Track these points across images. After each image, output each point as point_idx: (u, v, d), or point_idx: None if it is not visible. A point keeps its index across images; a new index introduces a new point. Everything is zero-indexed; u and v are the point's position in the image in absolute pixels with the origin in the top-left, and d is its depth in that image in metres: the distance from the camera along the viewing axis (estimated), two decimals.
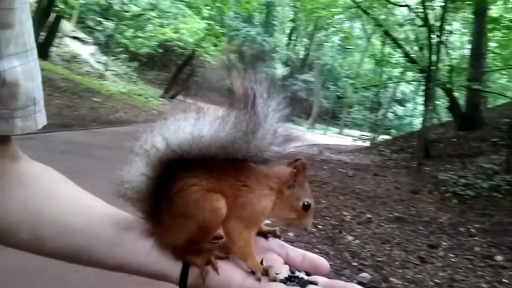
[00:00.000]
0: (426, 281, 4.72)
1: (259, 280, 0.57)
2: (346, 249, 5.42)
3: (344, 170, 13.29)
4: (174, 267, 0.61)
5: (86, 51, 26.30)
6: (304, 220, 0.67)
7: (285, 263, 0.66)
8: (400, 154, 16.63)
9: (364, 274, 4.47)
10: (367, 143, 26.92)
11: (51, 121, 10.35)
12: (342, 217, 7.12)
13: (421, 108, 16.98)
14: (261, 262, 0.63)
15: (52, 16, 18.06)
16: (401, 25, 18.26)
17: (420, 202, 9.44)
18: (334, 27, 24.70)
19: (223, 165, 0.62)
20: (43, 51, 18.64)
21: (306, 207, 0.67)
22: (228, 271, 0.60)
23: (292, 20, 44.36)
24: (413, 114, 25.29)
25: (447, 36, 17.04)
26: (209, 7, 22.21)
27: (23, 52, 0.55)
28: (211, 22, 22.76)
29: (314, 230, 6.02)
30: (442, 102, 24.71)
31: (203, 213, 0.60)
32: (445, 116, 26.26)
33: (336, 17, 22.49)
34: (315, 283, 0.61)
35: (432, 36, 12.97)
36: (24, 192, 0.61)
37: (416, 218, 7.77)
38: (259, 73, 0.61)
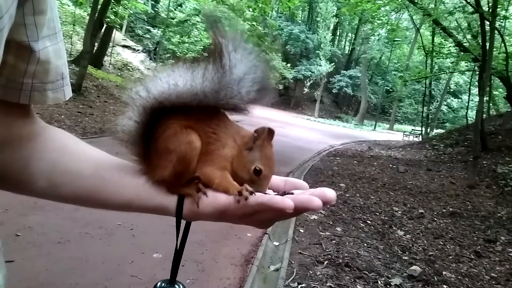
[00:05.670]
0: (482, 275, 4.55)
1: (237, 201, 0.65)
2: (396, 244, 5.32)
3: (395, 166, 12.95)
4: (170, 200, 0.71)
5: (137, 59, 27.48)
6: (256, 186, 0.69)
7: (269, 189, 0.74)
8: (455, 148, 15.92)
9: (414, 267, 4.38)
10: (419, 138, 25.97)
11: (107, 126, 10.96)
12: (393, 213, 6.98)
13: (477, 99, 16.13)
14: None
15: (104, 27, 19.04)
16: (451, 13, 17.42)
17: (477, 196, 9.02)
18: (380, 19, 23.98)
19: (199, 112, 0.71)
20: (98, 61, 19.70)
21: (257, 172, 0.70)
22: (215, 193, 0.69)
23: (336, 16, 43.53)
24: (469, 106, 23.87)
25: (501, 22, 16.06)
26: (252, 8, 22.38)
27: (53, 34, 0.66)
28: (254, 23, 22.94)
29: (362, 225, 5.97)
30: (499, 92, 23.32)
31: (180, 146, 0.68)
32: (503, 107, 24.78)
33: (382, 9, 21.87)
34: (291, 193, 0.68)
35: (485, 22, 12.27)
36: (41, 148, 0.73)
37: (472, 213, 7.44)
38: (229, 31, 0.70)
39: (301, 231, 5.34)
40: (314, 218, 5.92)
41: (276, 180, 0.76)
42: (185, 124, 0.70)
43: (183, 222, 0.72)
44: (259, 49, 0.73)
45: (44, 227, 4.19)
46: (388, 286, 4.01)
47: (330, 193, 0.63)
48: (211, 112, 0.73)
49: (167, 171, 0.70)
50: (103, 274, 3.50)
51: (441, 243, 5.61)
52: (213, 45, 0.70)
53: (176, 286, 0.76)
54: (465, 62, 20.07)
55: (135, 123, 0.73)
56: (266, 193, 0.70)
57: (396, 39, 34.55)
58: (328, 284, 3.87)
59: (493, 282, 4.46)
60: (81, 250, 3.88)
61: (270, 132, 0.71)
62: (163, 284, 0.75)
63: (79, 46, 18.02)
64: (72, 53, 18.36)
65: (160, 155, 0.71)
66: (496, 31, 10.86)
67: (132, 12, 26.02)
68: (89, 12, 16.25)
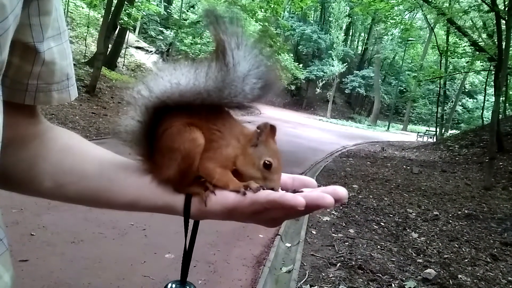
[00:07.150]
0: (498, 279, 4.46)
1: (243, 193, 0.65)
2: (410, 246, 5.25)
3: (409, 167, 12.80)
4: (177, 199, 0.70)
5: (150, 60, 27.70)
6: (268, 181, 0.68)
7: None
8: (470, 149, 15.67)
9: (429, 270, 4.31)
10: (434, 139, 25.64)
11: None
12: (407, 214, 6.89)
13: (493, 99, 15.83)
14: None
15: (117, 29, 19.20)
16: (466, 12, 17.16)
17: (493, 198, 8.86)
18: (394, 19, 23.74)
19: (202, 110, 0.70)
20: (111, 62, 19.90)
21: (267, 166, 0.69)
22: (224, 191, 0.67)
23: (349, 15, 43.23)
24: (484, 106, 23.47)
25: None
26: (264, 9, 22.33)
27: (58, 35, 0.66)
28: (266, 24, 22.90)
29: (376, 227, 5.90)
30: None
31: (184, 143, 0.67)
32: None
33: (395, 8, 21.65)
34: (300, 191, 0.67)
35: (501, 21, 12.06)
36: (46, 148, 0.72)
37: (488, 215, 7.31)
38: (231, 27, 0.68)
39: (314, 232, 5.31)
40: (327, 220, 5.87)
41: (284, 177, 0.75)
42: (188, 121, 0.69)
43: (191, 221, 0.71)
44: (262, 43, 0.71)
45: (58, 227, 4.24)
46: None
47: (341, 191, 0.62)
48: (216, 110, 0.72)
49: (172, 169, 0.69)
50: (116, 274, 3.53)
51: (457, 245, 5.52)
52: (215, 43, 0.68)
53: (187, 287, 0.75)
54: (481, 62, 19.73)
55: (138, 122, 0.72)
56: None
57: (410, 38, 34.17)
58: (340, 286, 3.83)
59: (510, 286, 4.36)
60: (94, 250, 3.92)
61: (272, 128, 0.71)
62: (173, 285, 0.74)
63: (93, 48, 18.20)
64: (86, 54, 18.57)
65: (164, 154, 0.70)
66: None
67: (145, 14, 26.28)
68: (103, 14, 16.45)
